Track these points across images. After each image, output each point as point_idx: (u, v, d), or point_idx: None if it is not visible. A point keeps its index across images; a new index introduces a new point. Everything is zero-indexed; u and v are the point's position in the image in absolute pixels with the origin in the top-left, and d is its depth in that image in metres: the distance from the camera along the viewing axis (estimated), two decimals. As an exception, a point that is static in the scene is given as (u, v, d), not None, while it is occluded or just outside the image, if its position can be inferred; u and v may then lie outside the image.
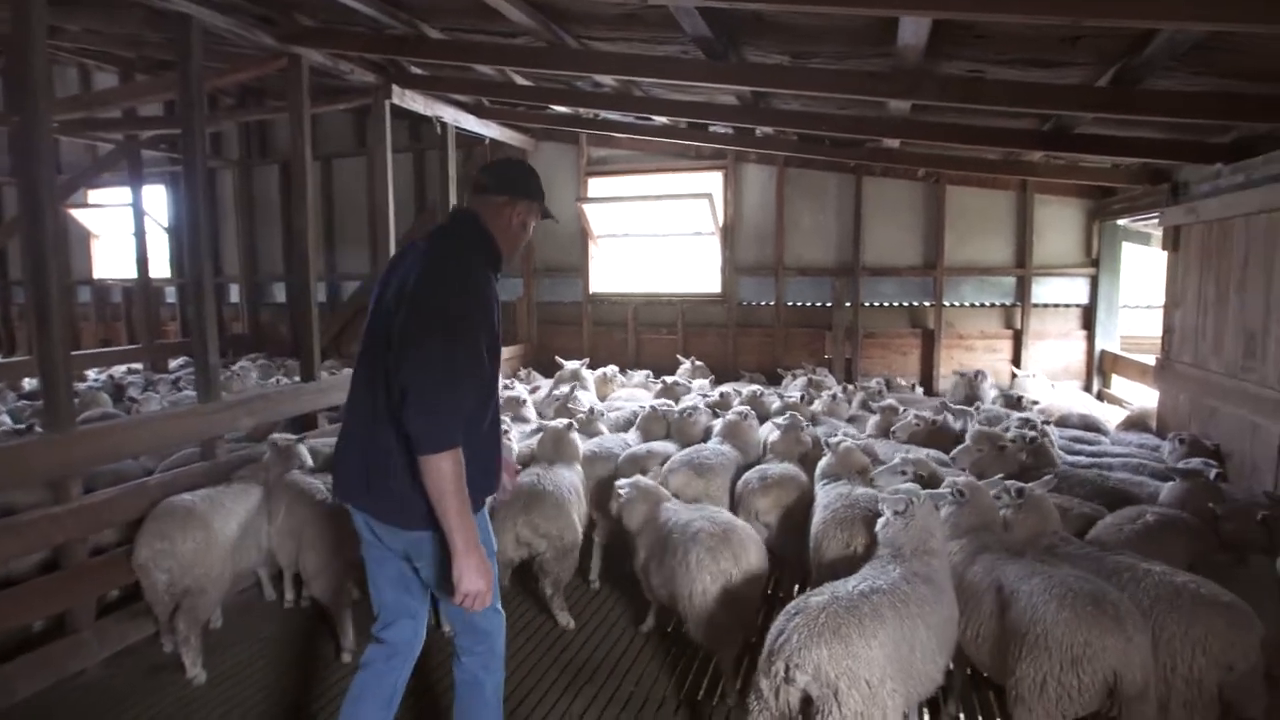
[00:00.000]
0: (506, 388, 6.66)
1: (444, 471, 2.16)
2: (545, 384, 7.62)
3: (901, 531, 2.92)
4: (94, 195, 12.23)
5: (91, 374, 9.08)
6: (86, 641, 3.81)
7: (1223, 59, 3.72)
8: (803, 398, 6.05)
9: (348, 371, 6.91)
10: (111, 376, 8.56)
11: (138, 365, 9.72)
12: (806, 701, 2.43)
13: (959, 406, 5.91)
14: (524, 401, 6.21)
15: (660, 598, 3.71)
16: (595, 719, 3.38)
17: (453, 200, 7.67)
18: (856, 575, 2.77)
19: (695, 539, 3.40)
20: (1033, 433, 4.48)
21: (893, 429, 5.22)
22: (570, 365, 7.47)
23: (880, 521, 3.05)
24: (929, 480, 3.76)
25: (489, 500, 2.60)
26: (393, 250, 6.70)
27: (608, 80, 6.27)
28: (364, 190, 9.35)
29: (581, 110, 8.07)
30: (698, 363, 8.21)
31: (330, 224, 10.78)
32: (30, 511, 3.67)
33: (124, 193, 9.86)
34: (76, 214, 11.99)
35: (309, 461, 4.38)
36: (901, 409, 5.64)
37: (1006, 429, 4.73)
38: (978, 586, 2.92)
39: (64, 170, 11.72)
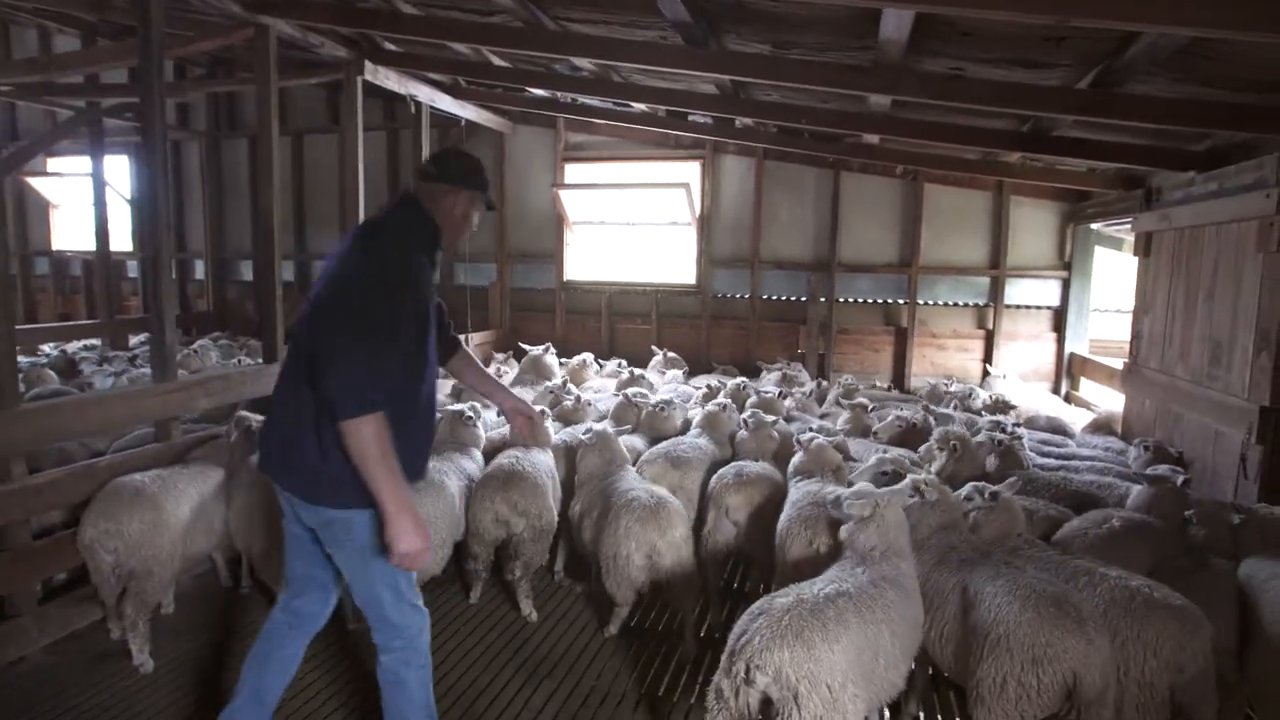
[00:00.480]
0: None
1: (364, 434, 2.20)
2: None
3: (869, 535, 2.89)
4: (54, 164, 11.84)
5: (46, 348, 8.80)
6: (26, 627, 3.68)
7: (1203, 66, 3.71)
8: (780, 394, 6.01)
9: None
10: (64, 352, 8.29)
11: (95, 341, 9.43)
12: (766, 703, 2.39)
13: (942, 411, 5.94)
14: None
15: (586, 549, 4.07)
16: (554, 713, 3.32)
17: (426, 181, 7.50)
18: (823, 577, 2.73)
19: (628, 508, 3.68)
20: (1002, 435, 4.48)
21: (874, 430, 5.20)
22: (533, 351, 7.33)
23: (844, 527, 3.01)
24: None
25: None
26: (362, 230, 6.54)
27: (586, 64, 6.16)
28: (336, 168, 9.13)
29: (560, 94, 7.94)
30: (671, 354, 8.15)
31: (300, 201, 10.54)
32: (-33, 492, 3.54)
33: (85, 162, 9.53)
34: (34, 182, 11.60)
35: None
36: (872, 407, 5.63)
37: (977, 430, 4.73)
38: (943, 587, 2.91)
39: (21, 136, 11.35)
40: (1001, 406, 6.14)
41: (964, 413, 5.92)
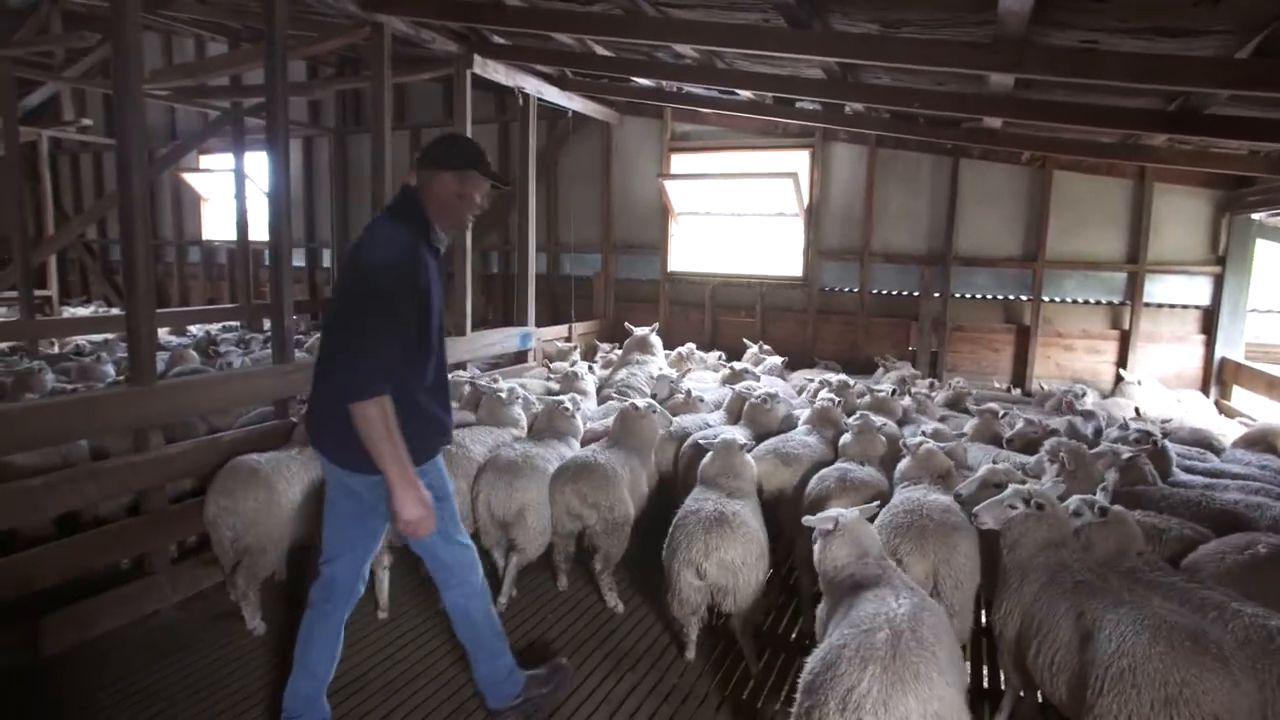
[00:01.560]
0: (571, 363, 6.61)
1: (370, 417, 2.42)
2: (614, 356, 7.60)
3: (837, 550, 2.85)
4: (205, 160, 12.92)
5: (193, 329, 9.63)
6: (161, 584, 4.02)
7: (1392, 29, 3.22)
8: (893, 392, 5.70)
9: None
10: (209, 333, 9.04)
11: (234, 323, 10.24)
12: None
13: (1085, 409, 5.52)
14: (580, 376, 6.16)
15: None
16: (635, 707, 3.30)
17: (532, 172, 7.64)
18: (879, 598, 2.50)
19: (683, 521, 3.51)
20: (1127, 449, 4.07)
21: (1006, 437, 4.89)
22: (639, 331, 7.34)
23: (815, 546, 2.96)
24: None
25: None
26: (470, 221, 6.73)
27: (688, 51, 6.07)
28: (451, 161, 9.47)
29: (664, 84, 7.89)
30: (765, 347, 7.93)
31: (418, 194, 10.99)
32: (113, 459, 3.89)
33: (231, 158, 10.33)
34: (188, 178, 12.69)
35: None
36: (1002, 412, 5.25)
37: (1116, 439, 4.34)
38: (1054, 610, 2.67)
39: (179, 137, 12.42)
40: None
41: (1104, 416, 5.44)
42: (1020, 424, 4.92)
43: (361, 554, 2.83)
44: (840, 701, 2.16)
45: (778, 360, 7.51)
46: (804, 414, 5.06)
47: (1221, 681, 2.18)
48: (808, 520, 3.02)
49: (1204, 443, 5.29)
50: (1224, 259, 7.32)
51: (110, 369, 6.62)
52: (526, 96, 7.45)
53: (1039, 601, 2.74)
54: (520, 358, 7.64)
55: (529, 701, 3.11)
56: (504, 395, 4.83)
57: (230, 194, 10.23)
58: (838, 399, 5.15)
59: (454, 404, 5.27)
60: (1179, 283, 7.56)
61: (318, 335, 7.85)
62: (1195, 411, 6.60)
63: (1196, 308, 7.54)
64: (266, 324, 10.02)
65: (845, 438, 4.47)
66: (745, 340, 8.23)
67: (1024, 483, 3.46)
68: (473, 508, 4.05)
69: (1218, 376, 7.37)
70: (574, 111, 8.53)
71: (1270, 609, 2.63)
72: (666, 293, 9.57)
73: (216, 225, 13.09)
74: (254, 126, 10.41)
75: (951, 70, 4.70)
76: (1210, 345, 7.44)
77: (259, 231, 9.61)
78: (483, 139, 9.81)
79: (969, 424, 5.21)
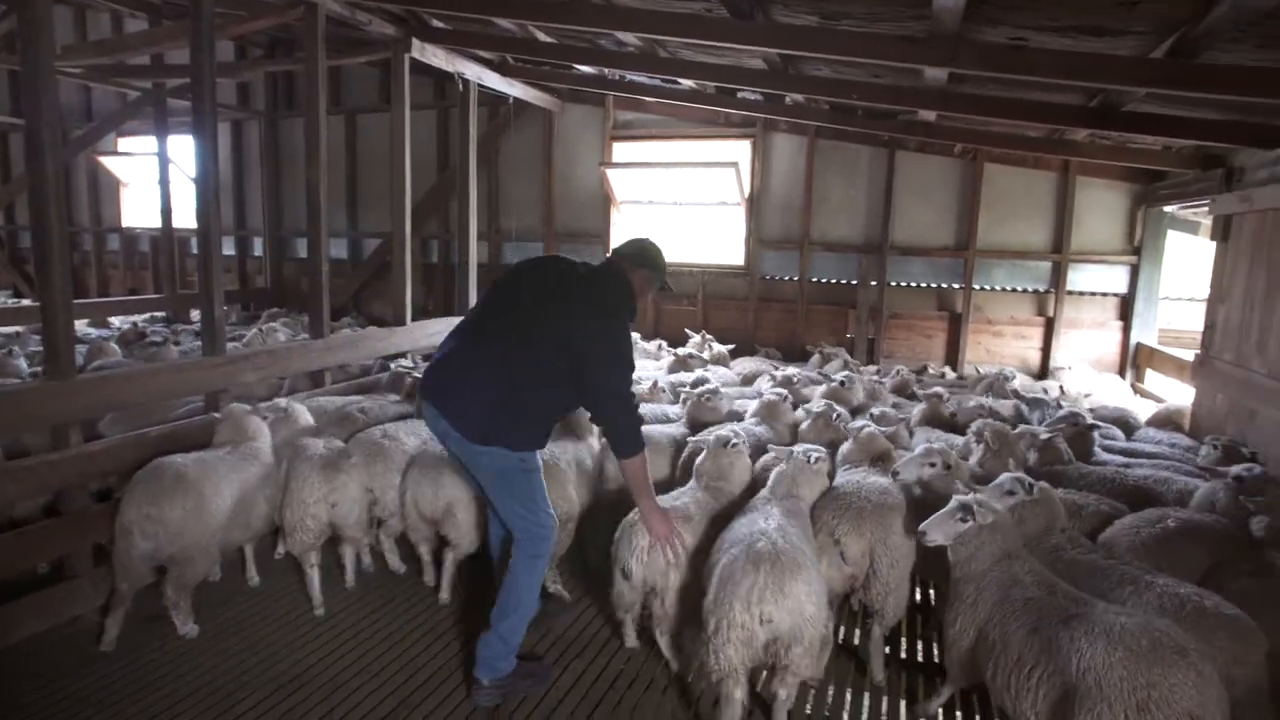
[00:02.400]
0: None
1: (636, 467, 3.15)
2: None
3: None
4: (124, 143, 12.29)
5: (115, 320, 9.19)
6: (83, 588, 3.82)
7: (1293, 32, 3.43)
8: (842, 383, 5.81)
9: (371, 330, 6.91)
10: (136, 324, 8.64)
11: (160, 314, 9.81)
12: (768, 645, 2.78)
13: (1035, 396, 5.76)
14: None
15: None
16: (583, 694, 3.31)
17: (472, 159, 7.51)
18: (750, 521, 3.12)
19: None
20: (1045, 430, 4.29)
21: (953, 414, 5.12)
22: None
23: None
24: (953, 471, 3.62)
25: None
26: (409, 208, 6.60)
27: (631, 39, 6.05)
28: (388, 147, 9.25)
29: (607, 71, 7.85)
30: (708, 336, 8.02)
31: (354, 180, 10.72)
32: (30, 458, 3.69)
33: (153, 141, 9.86)
34: (106, 161, 12.06)
35: (308, 421, 4.32)
36: (946, 396, 5.43)
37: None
38: (1008, 630, 2.64)
39: (95, 118, 11.79)
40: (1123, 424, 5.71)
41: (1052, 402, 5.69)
42: (972, 404, 5.12)
43: (544, 497, 3.23)
44: (744, 600, 2.73)
45: (724, 349, 7.58)
46: (750, 406, 5.12)
47: (1185, 674, 2.19)
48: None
49: (1122, 422, 5.58)
50: (1139, 249, 7.70)
51: (23, 363, 6.26)
52: (467, 82, 7.31)
53: (992, 622, 2.72)
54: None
55: (507, 688, 3.20)
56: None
57: (152, 179, 9.77)
58: (785, 392, 5.22)
59: (394, 396, 5.18)
60: (1099, 272, 7.92)
61: (256, 329, 7.58)
62: (1113, 393, 6.96)
63: (1115, 295, 7.91)
64: (195, 314, 9.64)
65: (804, 425, 4.57)
66: (687, 330, 8.28)
67: (950, 465, 3.61)
68: (400, 504, 3.97)
69: (1133, 360, 7.76)
70: (515, 98, 8.41)
71: (1179, 578, 2.80)
72: (610, 282, 9.54)
73: (138, 211, 12.47)
74: (178, 108, 9.94)
75: (888, 63, 4.81)
76: (1127, 331, 7.83)
77: (184, 218, 9.22)
78: (421, 125, 9.62)
79: (916, 408, 5.38)
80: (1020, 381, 6.67)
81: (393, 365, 5.82)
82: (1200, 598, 2.58)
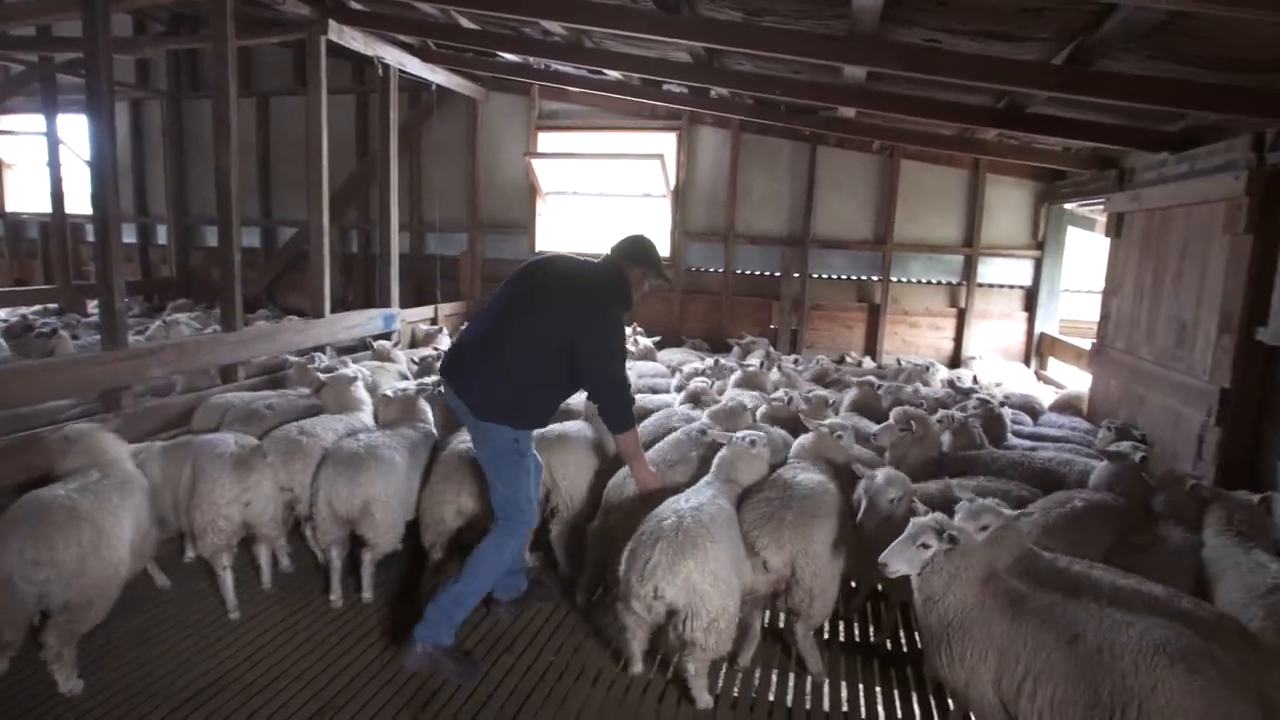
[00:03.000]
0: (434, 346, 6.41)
1: (627, 441, 3.53)
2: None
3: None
4: (6, 121, 11.41)
5: (0, 313, 8.55)
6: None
7: (1180, 43, 3.66)
8: (761, 364, 6.00)
9: (288, 322, 6.62)
10: (25, 317, 8.06)
11: (53, 306, 9.18)
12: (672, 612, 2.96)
13: (968, 386, 6.04)
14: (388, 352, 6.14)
15: None
16: (513, 686, 3.29)
17: (393, 146, 7.30)
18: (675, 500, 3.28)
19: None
20: (960, 414, 4.49)
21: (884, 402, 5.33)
22: None
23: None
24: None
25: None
26: (326, 196, 6.38)
27: (556, 28, 5.99)
28: (304, 132, 8.90)
29: (532, 60, 7.75)
30: (638, 329, 8.05)
31: (267, 166, 10.27)
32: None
33: (40, 119, 9.19)
34: (-14, 140, 11.19)
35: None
36: (878, 383, 5.69)
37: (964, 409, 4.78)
38: (1042, 640, 2.46)
39: (-28, 92, 10.89)
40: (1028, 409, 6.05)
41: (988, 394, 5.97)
42: (908, 390, 5.41)
43: (527, 484, 3.47)
44: (639, 574, 2.95)
45: (649, 342, 7.63)
46: (678, 398, 5.20)
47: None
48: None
49: (1029, 408, 5.90)
50: (1042, 244, 8.13)
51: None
52: (387, 67, 7.09)
53: (1014, 648, 2.46)
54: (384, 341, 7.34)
55: (438, 662, 3.29)
56: (350, 378, 4.60)
57: (40, 160, 9.11)
58: (711, 381, 5.31)
59: (304, 390, 4.99)
60: (1006, 265, 8.32)
61: (160, 321, 7.18)
62: (1020, 381, 7.35)
63: (1020, 288, 8.34)
64: (92, 306, 9.06)
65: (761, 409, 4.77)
66: None
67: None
68: (311, 503, 3.80)
69: (1037, 349, 8.21)
70: (438, 85, 8.22)
71: (1087, 554, 2.98)
72: (536, 273, 9.45)
73: (23, 195, 11.62)
74: (69, 85, 9.31)
75: (809, 60, 4.91)
76: (1031, 321, 8.27)
77: (77, 203, 8.65)
78: (339, 110, 9.28)
79: (847, 395, 5.55)
80: (942, 375, 6.98)
81: (304, 359, 5.59)
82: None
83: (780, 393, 4.98)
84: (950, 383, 6.36)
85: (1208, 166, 4.61)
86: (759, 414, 4.71)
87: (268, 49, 9.77)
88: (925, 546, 2.62)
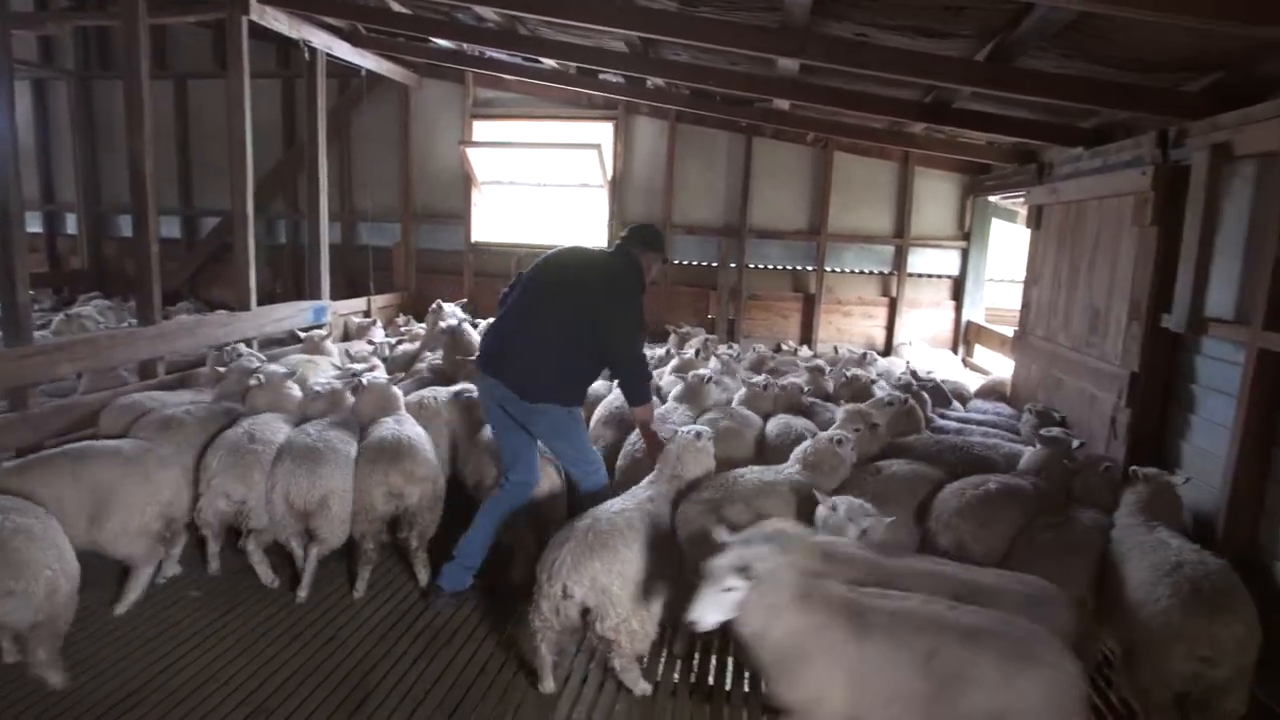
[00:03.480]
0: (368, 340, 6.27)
1: (643, 413, 3.83)
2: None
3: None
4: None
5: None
6: None
7: (1090, 43, 3.83)
8: (697, 352, 6.18)
9: (212, 315, 6.34)
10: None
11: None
12: (584, 612, 2.96)
13: (927, 379, 6.18)
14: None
15: None
16: (451, 682, 3.26)
17: (322, 134, 7.07)
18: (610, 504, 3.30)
19: None
20: (902, 395, 4.65)
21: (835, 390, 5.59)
22: (450, 308, 6.95)
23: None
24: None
25: None
26: (250, 185, 6.14)
27: (490, 14, 5.89)
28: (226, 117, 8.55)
29: (466, 47, 7.61)
30: None
31: (186, 152, 9.82)
32: None
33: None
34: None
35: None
36: (827, 368, 6.03)
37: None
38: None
39: None
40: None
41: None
42: (852, 372, 5.67)
43: (533, 462, 3.80)
44: (547, 573, 3.00)
45: None
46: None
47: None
48: None
49: (958, 394, 6.11)
50: (969, 235, 8.42)
51: None
52: (314, 51, 6.85)
53: (869, 660, 2.33)
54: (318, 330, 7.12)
55: (445, 601, 3.75)
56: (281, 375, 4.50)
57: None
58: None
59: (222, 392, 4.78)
60: (935, 255, 8.59)
61: (63, 315, 6.79)
62: (949, 367, 7.60)
63: (948, 277, 8.62)
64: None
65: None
66: None
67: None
68: (267, 499, 3.73)
69: (965, 337, 8.51)
70: (368, 71, 7.99)
71: (1001, 535, 3.11)
72: (471, 264, 9.34)
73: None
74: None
75: (743, 52, 4.96)
76: (959, 310, 8.56)
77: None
78: (264, 95, 8.92)
79: (800, 378, 5.72)
80: (881, 365, 7.17)
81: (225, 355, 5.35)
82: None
83: (761, 377, 5.15)
84: (914, 373, 6.49)
85: (1118, 162, 4.84)
86: (737, 398, 4.94)
87: (186, 28, 9.33)
88: (730, 590, 2.38)
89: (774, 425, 4.56)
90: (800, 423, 4.53)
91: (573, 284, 3.66)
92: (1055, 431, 4.06)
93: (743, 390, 5.05)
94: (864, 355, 6.94)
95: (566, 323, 3.59)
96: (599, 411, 4.88)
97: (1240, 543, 3.43)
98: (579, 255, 3.84)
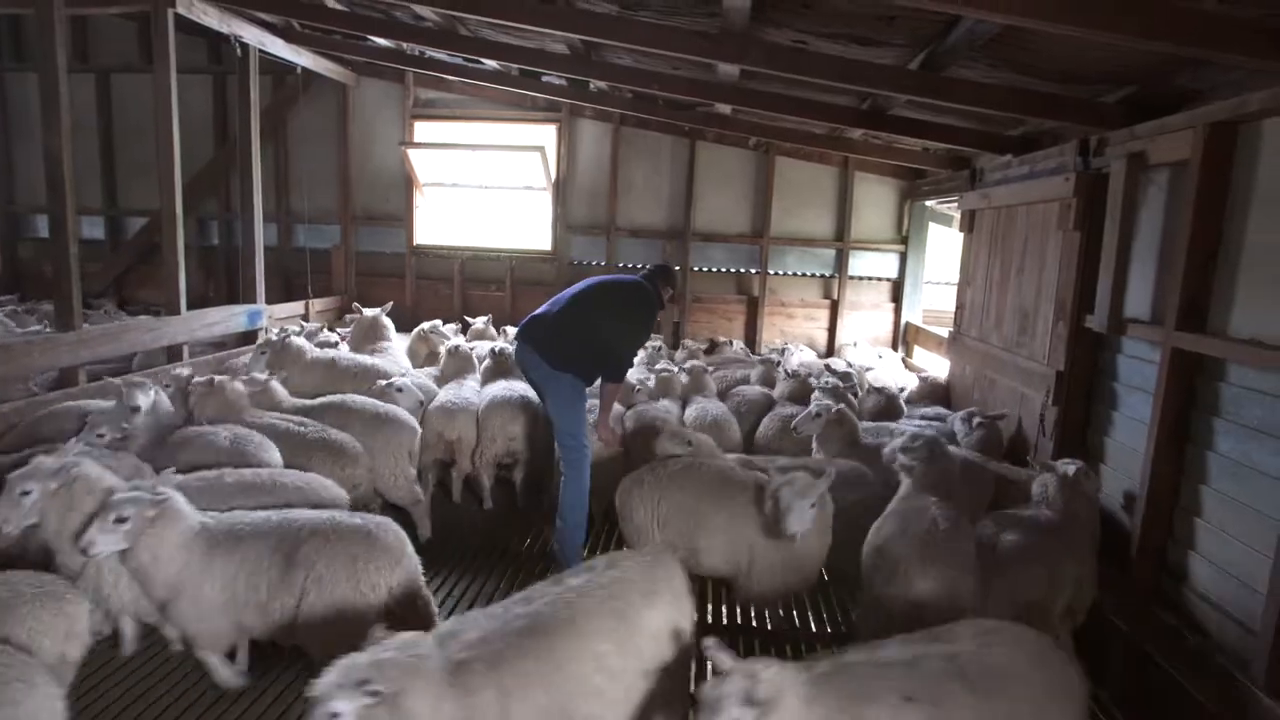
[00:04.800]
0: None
1: (612, 389, 4.58)
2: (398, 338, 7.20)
3: None
4: None
5: None
6: None
7: (1015, 54, 3.97)
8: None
9: (137, 320, 6.08)
10: None
11: None
12: None
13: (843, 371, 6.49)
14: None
15: None
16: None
17: (256, 132, 6.85)
18: None
19: None
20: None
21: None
22: (369, 313, 6.77)
23: None
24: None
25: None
26: (179, 184, 5.93)
27: (429, 14, 5.80)
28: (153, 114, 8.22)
29: (405, 46, 7.48)
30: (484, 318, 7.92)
31: (110, 150, 9.41)
32: None
33: None
34: None
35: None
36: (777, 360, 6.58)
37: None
38: None
39: None
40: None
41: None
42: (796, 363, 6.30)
43: (585, 423, 4.50)
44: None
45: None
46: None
47: None
48: None
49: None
50: (906, 238, 8.64)
51: None
52: (246, 47, 6.65)
53: None
54: (249, 339, 6.91)
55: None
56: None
57: None
58: None
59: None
60: (875, 258, 8.78)
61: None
62: (890, 367, 7.78)
63: (888, 280, 8.83)
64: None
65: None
66: (465, 318, 8.06)
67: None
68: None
69: (904, 338, 8.72)
70: (304, 68, 7.79)
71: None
72: (413, 267, 9.17)
73: None
74: None
75: (684, 56, 4.99)
76: (898, 311, 8.77)
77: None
78: (194, 92, 8.65)
79: (754, 372, 6.67)
80: (798, 359, 7.34)
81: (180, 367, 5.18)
82: None
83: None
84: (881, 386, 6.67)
85: (1044, 169, 5.03)
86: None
87: (107, 20, 8.96)
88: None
89: (692, 410, 5.55)
90: (716, 408, 5.57)
91: (598, 301, 4.48)
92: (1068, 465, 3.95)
93: (652, 379, 5.86)
94: (782, 349, 7.33)
95: (587, 323, 4.36)
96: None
97: (1158, 534, 3.60)
98: (609, 282, 4.66)
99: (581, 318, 4.39)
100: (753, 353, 8.51)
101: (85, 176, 8.66)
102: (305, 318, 8.02)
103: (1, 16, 9.28)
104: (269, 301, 7.34)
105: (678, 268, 8.65)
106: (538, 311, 4.56)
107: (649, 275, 4.73)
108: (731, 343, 8.40)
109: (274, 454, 3.94)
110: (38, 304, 8.13)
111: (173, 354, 6.03)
